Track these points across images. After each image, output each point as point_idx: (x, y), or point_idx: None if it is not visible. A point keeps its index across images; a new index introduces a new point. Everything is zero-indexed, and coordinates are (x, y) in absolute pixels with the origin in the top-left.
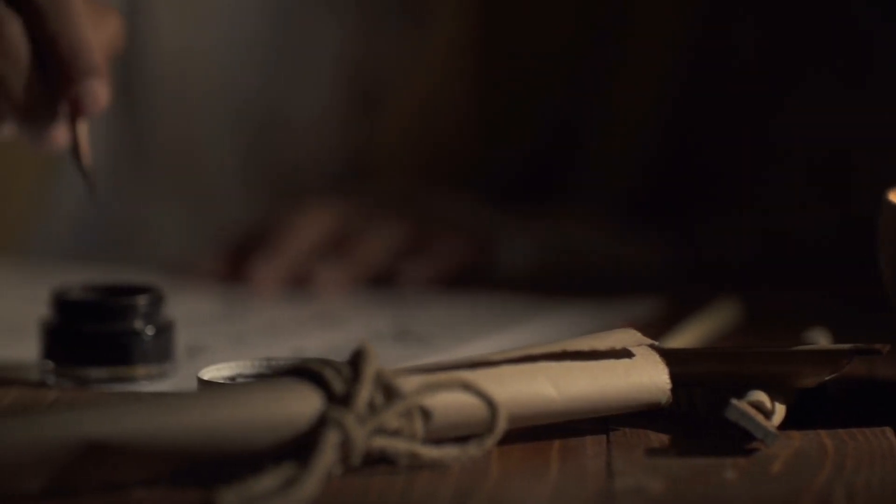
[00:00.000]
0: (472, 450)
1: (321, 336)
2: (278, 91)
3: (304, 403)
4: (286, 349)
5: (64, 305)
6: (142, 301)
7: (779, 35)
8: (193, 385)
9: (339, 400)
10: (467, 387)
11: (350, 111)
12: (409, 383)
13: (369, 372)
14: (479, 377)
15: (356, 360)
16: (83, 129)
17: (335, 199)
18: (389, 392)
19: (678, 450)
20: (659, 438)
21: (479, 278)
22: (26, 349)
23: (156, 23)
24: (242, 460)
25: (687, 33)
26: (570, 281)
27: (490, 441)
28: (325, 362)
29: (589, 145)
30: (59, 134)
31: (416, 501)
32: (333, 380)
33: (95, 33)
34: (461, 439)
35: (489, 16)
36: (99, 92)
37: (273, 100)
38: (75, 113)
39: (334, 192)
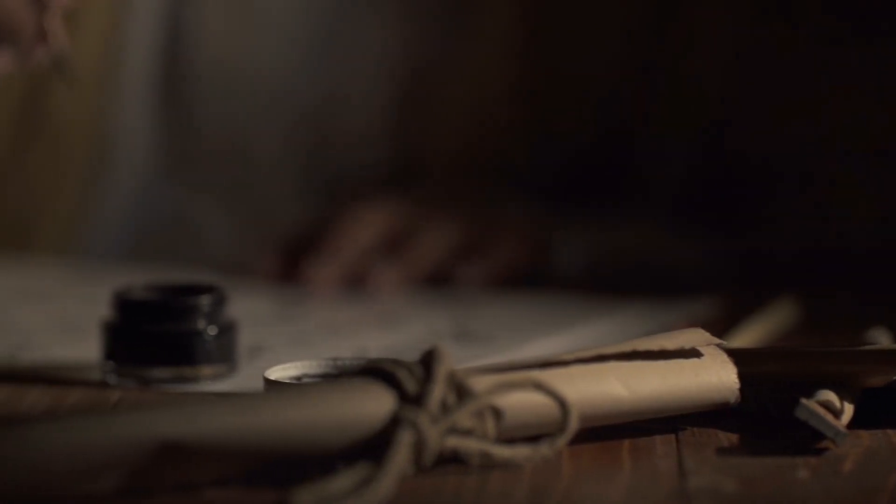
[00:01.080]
0: (544, 449)
1: (382, 336)
2: (327, 93)
3: (376, 403)
4: (348, 349)
5: (126, 305)
6: (205, 301)
7: (826, 33)
8: (255, 385)
9: (412, 400)
10: (539, 386)
11: (399, 112)
12: (480, 383)
13: (442, 372)
14: (551, 377)
15: (428, 360)
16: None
17: (390, 200)
18: (462, 392)
19: (749, 449)
20: (728, 438)
21: (533, 279)
22: (86, 349)
23: (201, 26)
24: (313, 460)
25: (735, 31)
26: (622, 281)
27: (562, 441)
28: (398, 362)
29: (637, 144)
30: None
31: (491, 501)
32: (406, 380)
33: None
34: (531, 439)
35: (536, 15)
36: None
37: (322, 101)
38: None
39: (387, 193)
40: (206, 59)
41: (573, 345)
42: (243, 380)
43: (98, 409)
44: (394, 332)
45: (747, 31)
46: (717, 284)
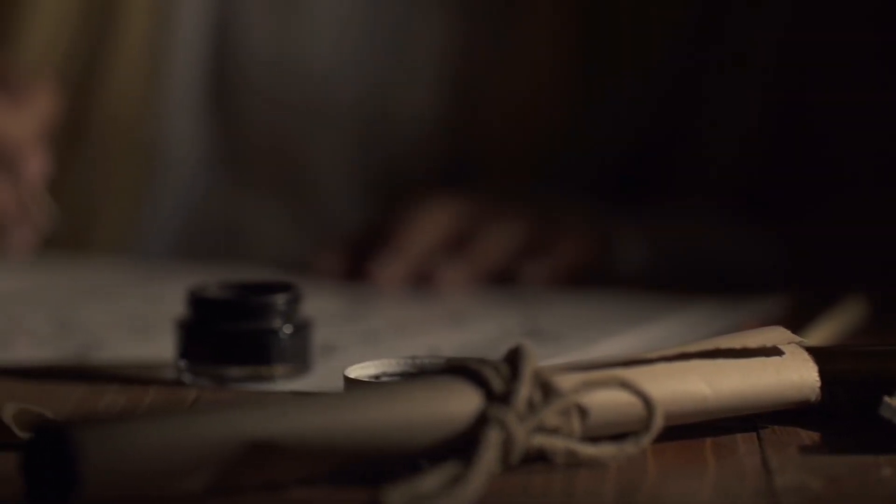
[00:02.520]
0: (630, 448)
1: (452, 334)
2: (381, 90)
3: (463, 402)
4: (419, 348)
5: (201, 304)
6: (281, 299)
7: (889, 31)
8: (330, 384)
9: (499, 398)
10: (625, 384)
11: (453, 108)
12: (566, 381)
13: (528, 370)
14: (635, 375)
15: (514, 359)
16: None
17: (453, 198)
18: (547, 390)
19: (831, 447)
20: (809, 436)
21: (595, 276)
22: (156, 348)
23: (249, 25)
24: (397, 459)
25: (794, 30)
26: (683, 278)
27: (647, 439)
28: (483, 361)
29: (692, 140)
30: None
31: (579, 499)
32: (493, 378)
33: (16, 121)
34: (613, 437)
35: (589, 10)
36: (31, 171)
37: (375, 99)
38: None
39: (449, 191)
40: (255, 59)
41: (644, 343)
42: (317, 379)
43: (188, 409)
44: (464, 331)
45: (808, 29)
46: (779, 280)
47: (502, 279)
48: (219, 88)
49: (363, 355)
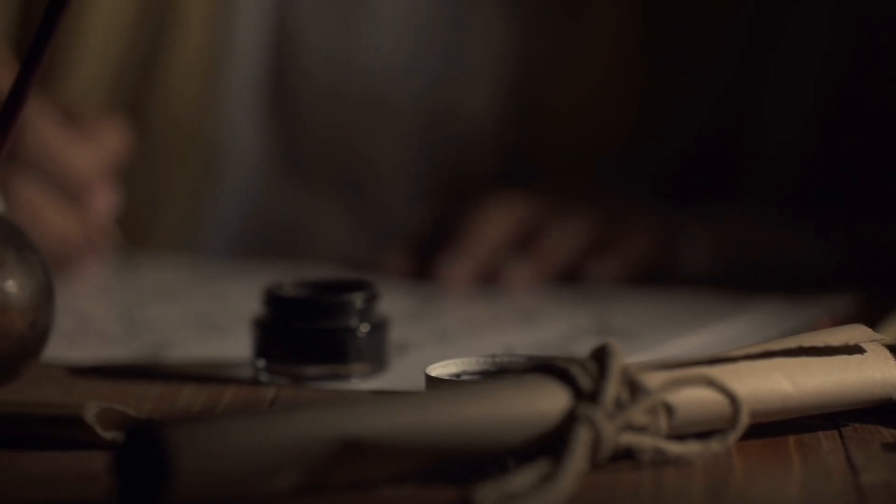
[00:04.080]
0: (716, 445)
1: (524, 332)
2: (441, 86)
3: (551, 400)
4: (494, 346)
5: (278, 302)
6: (358, 298)
7: None
8: (406, 382)
9: (587, 396)
10: (711, 382)
11: (513, 105)
12: (653, 379)
13: (616, 368)
14: (720, 373)
15: (601, 356)
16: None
17: (518, 196)
18: (635, 388)
19: None
20: (892, 434)
21: (660, 275)
22: (228, 346)
23: (308, 24)
24: (485, 458)
25: (847, 30)
26: (748, 277)
27: (732, 437)
28: (570, 359)
29: (749, 140)
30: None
31: (668, 497)
32: (581, 376)
33: (85, 154)
34: (698, 435)
35: (647, 11)
36: (98, 204)
37: (436, 95)
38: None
39: (513, 190)
40: (314, 56)
41: (716, 342)
42: (394, 377)
43: (276, 409)
44: (536, 329)
45: (861, 29)
46: (843, 279)
47: (568, 277)
48: (278, 86)
49: (438, 353)
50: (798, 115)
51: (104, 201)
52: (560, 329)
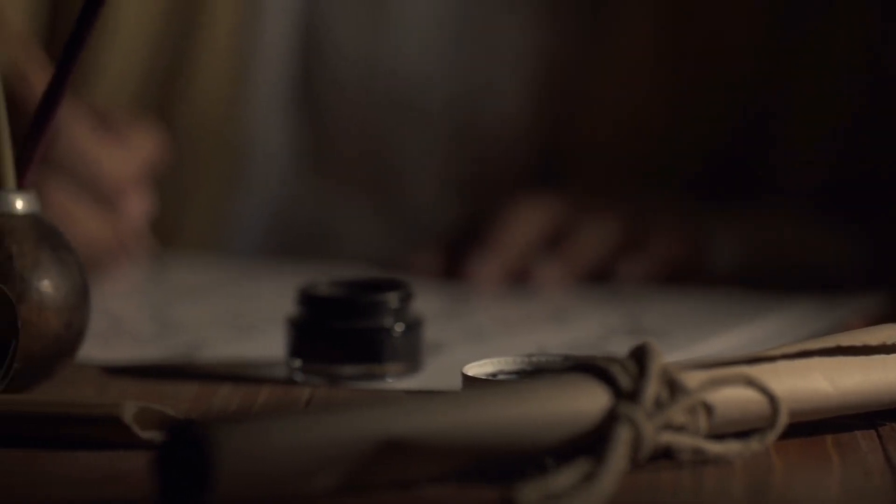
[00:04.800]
0: (755, 445)
1: (556, 332)
2: (470, 89)
3: (592, 399)
4: (527, 345)
5: (313, 302)
6: (393, 297)
7: None
8: (441, 381)
9: (627, 396)
10: (751, 382)
11: (543, 108)
12: (692, 379)
13: (656, 367)
14: (758, 372)
15: (640, 356)
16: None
17: (548, 196)
18: (674, 387)
19: None
20: None
21: (690, 274)
22: (261, 346)
23: (335, 24)
24: (525, 457)
25: (878, 26)
26: (777, 277)
27: (771, 436)
28: (610, 358)
29: (779, 138)
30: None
31: (709, 497)
32: (620, 375)
33: (119, 159)
34: (737, 434)
35: (677, 10)
36: (131, 209)
37: (465, 97)
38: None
39: (541, 189)
40: (343, 58)
41: (748, 341)
42: (428, 377)
43: (317, 408)
44: (568, 329)
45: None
46: (873, 279)
47: (598, 277)
48: (306, 88)
49: (471, 353)
50: (829, 114)
51: (137, 206)
52: (592, 329)
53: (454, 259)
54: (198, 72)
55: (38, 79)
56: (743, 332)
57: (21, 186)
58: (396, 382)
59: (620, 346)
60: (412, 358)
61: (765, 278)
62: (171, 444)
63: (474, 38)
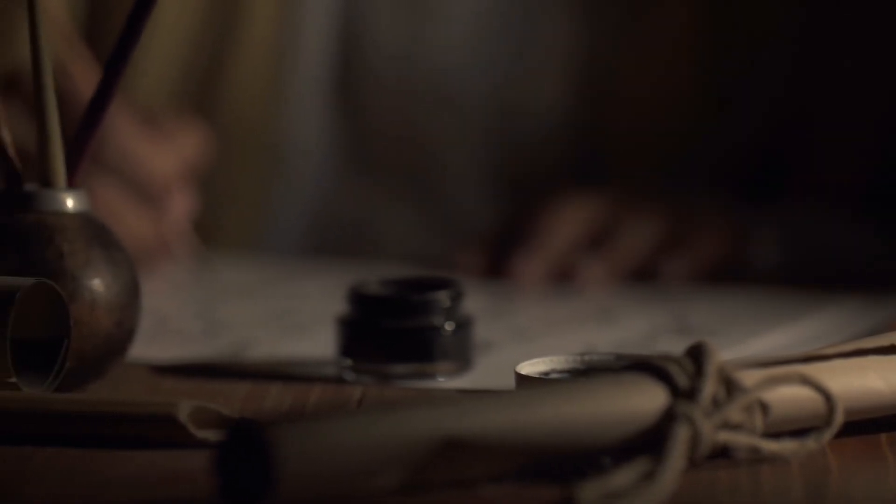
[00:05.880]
0: (811, 443)
1: (603, 331)
2: (509, 84)
3: (649, 398)
4: (576, 344)
5: (364, 301)
6: (444, 296)
7: None
8: (492, 380)
9: (685, 394)
10: (807, 380)
11: (581, 104)
12: (749, 377)
13: (713, 366)
14: (813, 370)
15: (696, 354)
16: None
17: (590, 195)
18: (731, 386)
19: None
20: None
21: (730, 273)
22: (308, 345)
23: (374, 21)
24: (582, 456)
25: None
26: (818, 276)
27: (827, 435)
28: (667, 357)
29: (820, 136)
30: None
31: (768, 496)
32: (678, 374)
33: (164, 157)
34: (791, 433)
35: (713, 6)
36: (176, 208)
37: (504, 93)
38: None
39: (582, 188)
40: (382, 53)
41: (795, 340)
42: (478, 376)
43: (375, 408)
44: (616, 327)
45: None
46: None
47: (641, 275)
48: (345, 84)
49: (520, 352)
50: (870, 111)
51: (182, 205)
52: (639, 327)
53: (498, 258)
54: (236, 70)
55: (82, 74)
56: (788, 330)
57: (71, 185)
58: (447, 382)
59: (668, 345)
60: (462, 357)
61: (807, 277)
62: (231, 444)
63: (513, 33)
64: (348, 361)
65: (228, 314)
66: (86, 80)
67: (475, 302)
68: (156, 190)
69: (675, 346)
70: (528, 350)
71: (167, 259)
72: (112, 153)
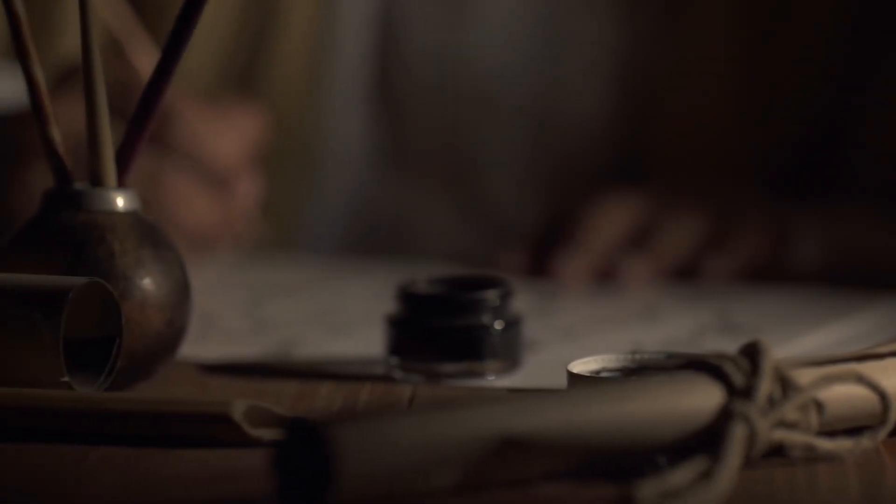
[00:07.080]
0: (866, 442)
1: (650, 329)
2: (549, 84)
3: (705, 396)
4: (622, 343)
5: (413, 300)
6: (492, 295)
7: None
8: (540, 379)
9: (741, 393)
10: (862, 379)
11: (623, 106)
12: (804, 376)
13: (768, 365)
14: (867, 369)
15: (752, 353)
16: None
17: (633, 194)
18: (786, 385)
19: None
20: None
21: (772, 272)
22: (355, 343)
23: (412, 19)
24: (638, 455)
25: None
26: (863, 275)
27: (882, 433)
28: (722, 355)
29: (860, 135)
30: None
31: (825, 495)
32: (733, 373)
33: (225, 142)
34: (845, 431)
35: (754, 7)
36: (243, 190)
37: (544, 93)
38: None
39: (624, 186)
40: (420, 53)
41: (840, 339)
42: (527, 375)
43: (430, 406)
44: (661, 326)
45: None
46: None
47: (683, 274)
48: (384, 84)
49: (568, 351)
50: None
51: (248, 188)
52: (684, 326)
53: (541, 257)
54: (274, 70)
55: (140, 62)
56: (833, 329)
57: (121, 185)
58: (496, 380)
59: (713, 343)
60: (511, 355)
61: (849, 276)
62: (289, 442)
63: (552, 34)
64: (397, 360)
65: (275, 313)
66: (145, 68)
67: (520, 301)
68: (223, 173)
69: (721, 344)
70: (574, 349)
71: (234, 242)
72: (179, 138)
